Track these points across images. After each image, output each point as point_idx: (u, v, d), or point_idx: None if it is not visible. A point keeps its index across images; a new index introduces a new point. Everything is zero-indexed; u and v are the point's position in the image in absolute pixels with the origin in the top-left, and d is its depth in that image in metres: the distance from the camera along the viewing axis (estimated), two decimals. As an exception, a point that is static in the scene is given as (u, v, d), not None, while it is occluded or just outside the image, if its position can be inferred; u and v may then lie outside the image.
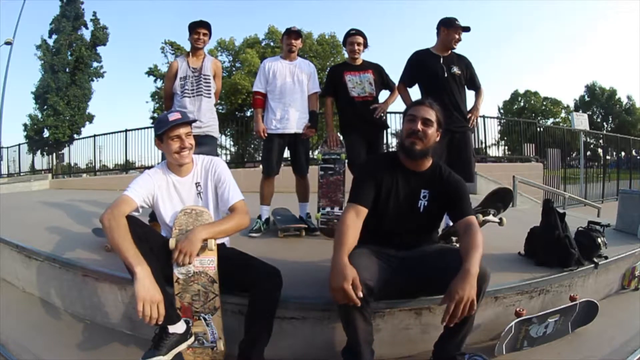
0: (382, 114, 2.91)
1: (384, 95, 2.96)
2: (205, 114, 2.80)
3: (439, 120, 1.63)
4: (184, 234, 1.53)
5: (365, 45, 2.88)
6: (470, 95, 2.82)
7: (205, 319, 1.54)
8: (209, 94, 2.84)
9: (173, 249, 1.49)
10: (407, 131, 1.60)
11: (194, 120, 1.74)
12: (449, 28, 2.65)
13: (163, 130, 1.61)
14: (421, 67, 2.71)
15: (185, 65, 2.80)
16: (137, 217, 1.58)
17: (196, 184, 1.73)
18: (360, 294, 1.30)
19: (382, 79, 2.91)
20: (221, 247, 1.74)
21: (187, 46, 2.89)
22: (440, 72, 2.63)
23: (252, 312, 1.48)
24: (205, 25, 2.78)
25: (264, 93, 2.92)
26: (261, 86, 2.92)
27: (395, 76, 2.95)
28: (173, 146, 1.62)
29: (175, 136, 1.62)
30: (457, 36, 2.65)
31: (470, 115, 2.71)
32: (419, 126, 1.58)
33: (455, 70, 2.66)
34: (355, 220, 1.53)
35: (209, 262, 1.50)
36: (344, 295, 1.30)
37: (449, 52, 2.72)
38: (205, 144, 2.73)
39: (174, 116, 1.63)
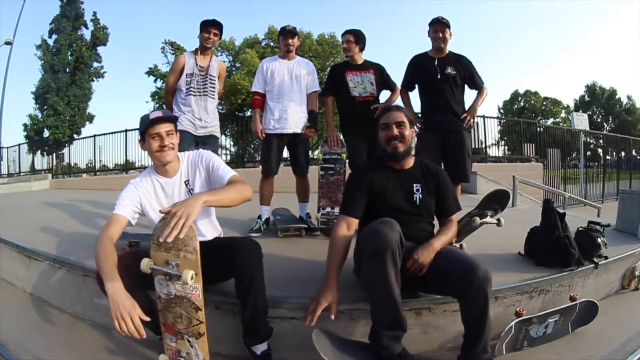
0: (383, 114, 2.91)
1: (384, 95, 2.97)
2: (210, 114, 2.82)
3: (410, 120, 1.76)
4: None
5: (359, 43, 2.85)
6: (472, 94, 2.85)
7: (189, 341, 1.44)
8: (214, 94, 2.85)
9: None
10: (386, 138, 1.72)
11: (176, 118, 1.71)
12: (429, 27, 2.75)
13: (143, 127, 1.57)
14: (418, 69, 2.81)
15: (192, 62, 2.77)
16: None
17: (185, 182, 1.67)
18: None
19: (383, 79, 2.90)
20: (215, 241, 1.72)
21: (187, 46, 2.94)
22: (434, 74, 2.69)
23: (241, 287, 1.46)
24: (218, 25, 2.75)
25: (263, 93, 2.91)
26: (259, 86, 2.91)
27: (396, 76, 2.97)
28: (153, 145, 1.57)
29: (155, 134, 1.56)
30: (439, 34, 2.70)
31: (465, 115, 2.72)
32: (395, 131, 1.69)
33: (450, 71, 2.70)
34: (346, 233, 1.62)
35: (191, 289, 1.35)
36: (319, 308, 1.46)
37: (446, 53, 2.75)
38: (208, 143, 2.79)
39: (155, 114, 1.59)
